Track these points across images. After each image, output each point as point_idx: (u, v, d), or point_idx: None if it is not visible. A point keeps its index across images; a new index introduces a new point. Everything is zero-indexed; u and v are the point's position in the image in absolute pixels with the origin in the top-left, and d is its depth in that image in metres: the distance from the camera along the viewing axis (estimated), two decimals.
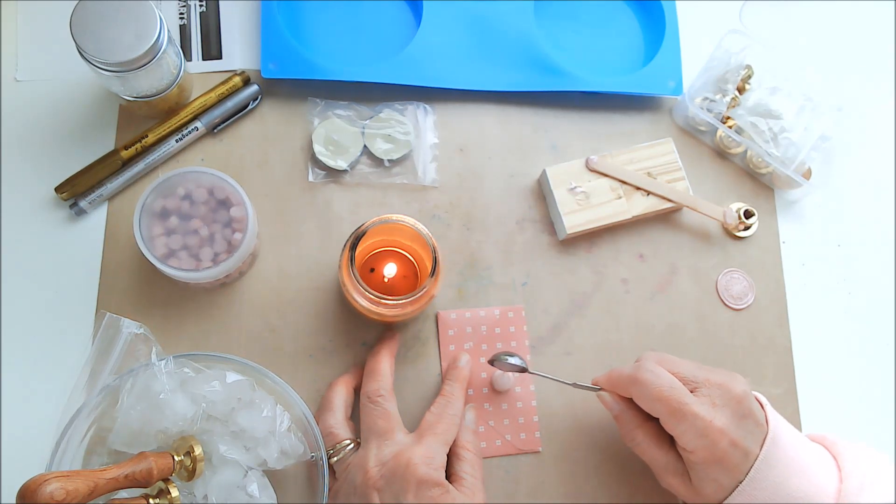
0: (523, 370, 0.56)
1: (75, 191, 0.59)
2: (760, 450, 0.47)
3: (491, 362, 0.56)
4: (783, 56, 0.65)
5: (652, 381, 0.49)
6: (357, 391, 0.56)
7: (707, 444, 0.47)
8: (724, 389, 0.49)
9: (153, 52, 0.53)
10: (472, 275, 0.61)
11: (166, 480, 0.47)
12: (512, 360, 0.56)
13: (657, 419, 0.50)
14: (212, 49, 0.64)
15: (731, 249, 0.64)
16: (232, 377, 0.51)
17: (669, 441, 0.51)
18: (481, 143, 0.64)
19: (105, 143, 0.61)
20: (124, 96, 0.57)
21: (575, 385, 0.56)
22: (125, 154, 0.59)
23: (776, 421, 0.49)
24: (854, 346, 0.64)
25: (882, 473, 0.48)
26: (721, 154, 0.66)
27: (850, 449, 0.50)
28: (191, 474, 0.49)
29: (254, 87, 0.62)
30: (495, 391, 0.58)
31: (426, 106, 0.64)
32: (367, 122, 0.62)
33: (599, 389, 0.54)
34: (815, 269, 0.65)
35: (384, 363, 0.55)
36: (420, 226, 0.52)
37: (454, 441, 0.53)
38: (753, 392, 0.51)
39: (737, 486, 0.47)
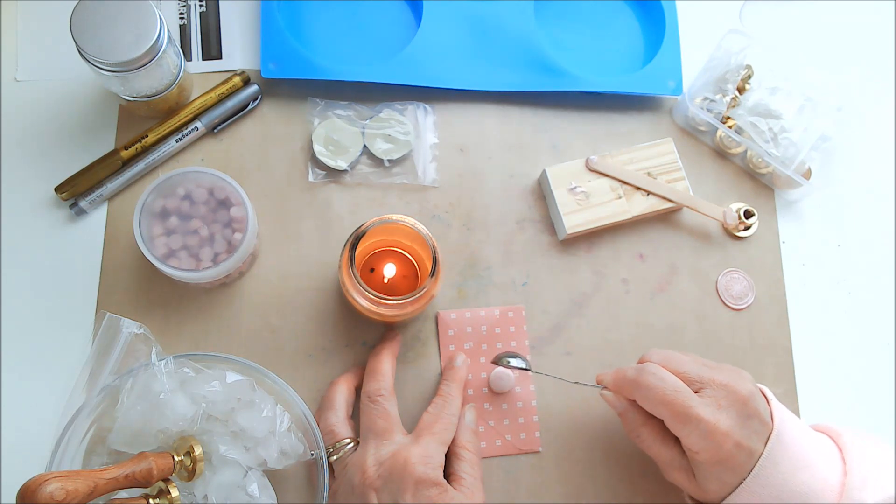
0: (526, 370, 0.56)
1: (75, 191, 0.59)
2: (764, 447, 0.47)
3: (494, 363, 0.57)
4: (783, 56, 0.65)
5: (655, 384, 0.49)
6: (358, 390, 0.57)
7: (711, 445, 0.47)
8: (729, 390, 0.48)
9: (153, 52, 0.53)
10: (472, 275, 0.61)
11: (166, 480, 0.47)
12: (514, 362, 0.56)
13: None
14: (212, 49, 0.63)
15: (731, 249, 0.64)
16: (232, 377, 0.51)
17: (674, 438, 0.50)
18: (481, 143, 0.64)
19: (105, 143, 0.61)
20: (124, 96, 0.57)
21: (578, 383, 0.56)
22: (125, 154, 0.59)
23: (781, 417, 0.49)
24: (854, 346, 0.64)
25: (886, 466, 0.48)
26: (721, 154, 0.66)
27: (855, 441, 0.50)
28: (191, 474, 0.49)
29: (254, 87, 0.62)
30: (495, 391, 0.58)
31: (426, 106, 0.64)
32: (367, 122, 0.62)
33: (603, 388, 0.54)
34: (815, 269, 0.65)
35: (385, 363, 0.55)
36: (420, 226, 0.52)
37: (453, 440, 0.53)
38: (758, 385, 0.51)
39: (740, 484, 0.47)
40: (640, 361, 0.52)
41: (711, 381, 0.49)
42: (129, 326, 0.52)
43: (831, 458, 0.49)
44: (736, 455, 0.47)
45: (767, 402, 0.50)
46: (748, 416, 0.48)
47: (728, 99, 0.64)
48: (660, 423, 0.50)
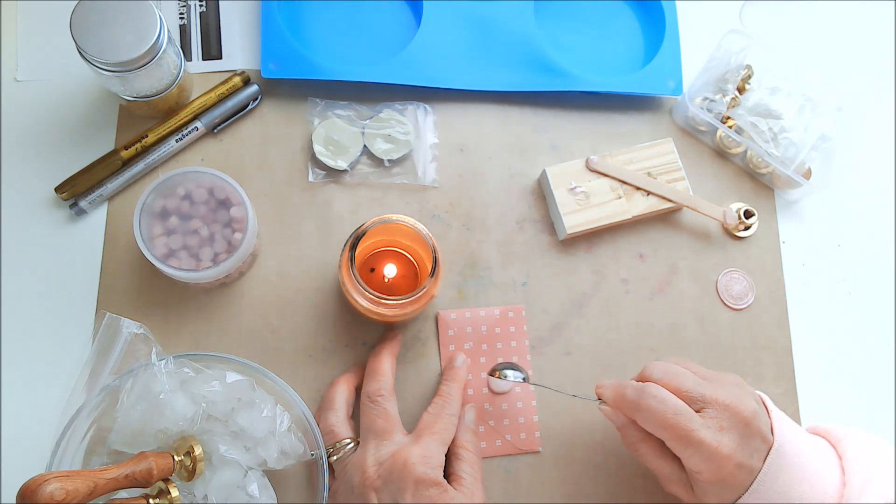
0: (523, 382, 0.56)
1: (75, 191, 0.59)
2: (763, 464, 0.47)
3: (491, 374, 0.56)
4: (783, 56, 0.65)
5: (656, 407, 0.48)
6: (358, 390, 0.56)
7: (713, 467, 0.47)
8: (731, 411, 0.47)
9: (153, 52, 0.53)
10: (472, 275, 0.61)
11: (166, 480, 0.47)
12: (512, 375, 0.55)
13: None
14: (212, 49, 0.64)
15: (731, 249, 0.64)
16: (232, 377, 0.51)
17: (673, 453, 0.49)
18: (481, 143, 0.64)
19: (105, 143, 0.61)
20: (124, 96, 0.57)
21: (577, 396, 0.55)
22: (125, 154, 0.59)
23: (781, 429, 0.49)
24: (854, 346, 0.64)
25: (887, 471, 0.48)
26: (721, 154, 0.66)
27: (855, 446, 0.50)
28: (191, 474, 0.49)
29: (254, 87, 0.62)
30: (495, 392, 0.58)
31: (426, 106, 0.64)
32: (367, 122, 0.62)
33: (602, 403, 0.52)
34: (815, 269, 0.65)
35: (385, 363, 0.55)
36: (420, 226, 0.52)
37: (453, 441, 0.53)
38: (758, 393, 0.51)
39: (738, 499, 0.47)
40: (641, 377, 0.51)
41: (714, 402, 0.48)
42: (129, 326, 0.52)
43: (830, 467, 0.49)
44: (736, 475, 0.47)
45: (768, 413, 0.50)
46: (750, 437, 0.47)
47: (728, 99, 0.64)
48: (659, 440, 0.50)
